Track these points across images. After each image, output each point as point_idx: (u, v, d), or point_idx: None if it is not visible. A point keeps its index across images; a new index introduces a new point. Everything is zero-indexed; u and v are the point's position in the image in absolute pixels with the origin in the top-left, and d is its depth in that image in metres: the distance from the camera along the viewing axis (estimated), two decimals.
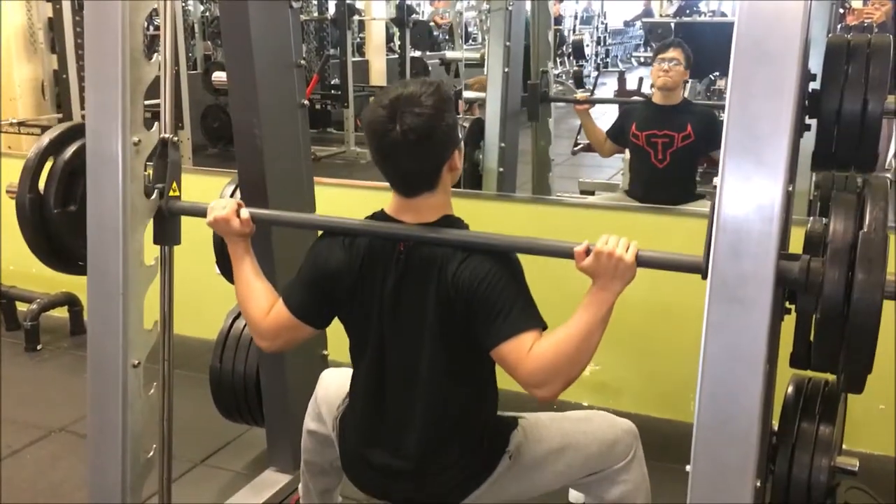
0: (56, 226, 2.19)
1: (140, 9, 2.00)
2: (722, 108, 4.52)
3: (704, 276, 1.51)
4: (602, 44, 13.52)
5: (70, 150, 2.20)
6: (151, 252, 2.13)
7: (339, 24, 8.07)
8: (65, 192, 2.19)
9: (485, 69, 4.23)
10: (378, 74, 10.23)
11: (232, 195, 2.64)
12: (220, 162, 6.69)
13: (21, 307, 4.20)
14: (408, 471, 1.83)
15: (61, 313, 4.21)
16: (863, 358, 1.48)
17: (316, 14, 9.13)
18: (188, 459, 2.96)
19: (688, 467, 1.54)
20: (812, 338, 1.60)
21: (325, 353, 2.79)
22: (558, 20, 11.30)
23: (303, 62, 2.48)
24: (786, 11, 1.43)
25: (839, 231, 1.49)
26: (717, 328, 1.48)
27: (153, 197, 2.10)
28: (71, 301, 4.18)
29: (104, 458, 2.12)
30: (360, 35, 10.43)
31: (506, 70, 4.16)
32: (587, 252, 1.62)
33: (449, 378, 1.78)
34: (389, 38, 10.58)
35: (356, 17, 9.66)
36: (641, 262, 1.61)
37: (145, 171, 2.09)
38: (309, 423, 2.14)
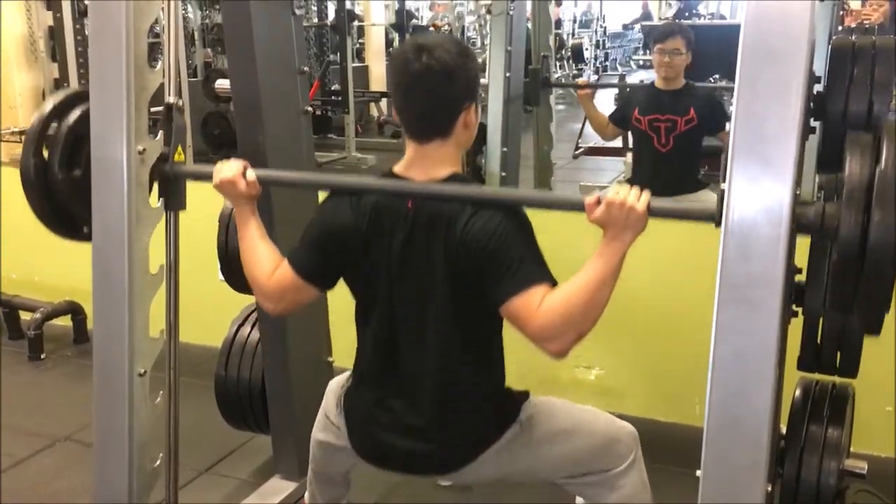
0: (61, 191, 2.13)
1: (144, 16, 1.99)
2: (725, 90, 4.51)
3: (718, 224, 1.49)
4: (601, 47, 13.55)
5: (74, 116, 2.12)
6: (157, 260, 2.13)
7: (339, 29, 8.07)
8: (69, 157, 2.12)
9: (486, 74, 4.23)
10: (378, 80, 10.23)
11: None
12: None
13: (24, 316, 4.20)
14: (418, 427, 1.81)
15: (65, 322, 4.20)
16: (882, 298, 1.44)
17: (316, 20, 9.14)
18: (193, 468, 2.95)
19: (698, 472, 1.54)
20: (829, 279, 1.56)
21: (331, 359, 2.79)
22: (557, 24, 11.31)
23: (306, 69, 2.48)
24: (792, 11, 1.43)
25: (855, 171, 1.43)
26: (727, 331, 1.48)
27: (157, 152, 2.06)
28: (74, 310, 4.17)
29: (110, 467, 2.11)
30: (360, 40, 10.43)
31: (507, 75, 4.16)
32: (598, 203, 1.60)
33: (459, 335, 1.77)
34: (389, 44, 10.58)
35: (356, 23, 9.66)
36: (653, 211, 1.59)
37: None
38: (317, 433, 2.13)
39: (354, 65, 8.39)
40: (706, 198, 3.82)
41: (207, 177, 1.97)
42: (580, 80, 4.69)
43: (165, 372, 2.20)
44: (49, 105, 2.14)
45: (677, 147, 3.87)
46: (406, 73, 1.70)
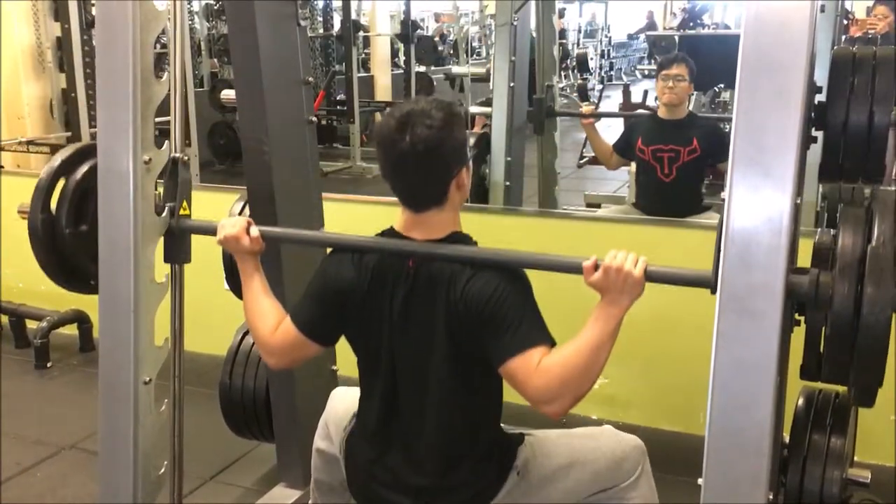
0: (68, 246, 2.20)
1: (150, 28, 2.01)
2: (727, 121, 4.58)
3: (713, 291, 1.51)
4: (606, 57, 13.61)
5: (81, 171, 2.21)
6: (162, 269, 2.14)
7: (345, 40, 8.12)
8: (76, 211, 2.20)
9: (490, 84, 4.24)
10: (383, 90, 10.28)
11: (241, 211, 2.66)
12: (227, 178, 6.73)
13: (31, 325, 4.22)
14: (418, 486, 1.82)
15: (71, 331, 4.21)
16: (873, 372, 1.49)
17: (321, 31, 9.20)
18: (198, 476, 2.96)
19: (700, 480, 1.54)
20: (822, 350, 1.60)
21: (335, 368, 2.80)
22: (562, 34, 11.34)
23: (310, 79, 2.50)
24: (792, 21, 1.44)
25: (848, 245, 1.49)
26: (727, 340, 1.48)
27: (164, 215, 2.11)
28: (80, 318, 4.19)
29: (115, 476, 2.12)
30: (366, 51, 10.48)
31: (511, 85, 4.18)
32: (595, 267, 1.63)
33: (459, 393, 1.78)
34: (394, 54, 10.62)
35: (361, 33, 9.71)
36: (650, 276, 1.62)
37: (156, 189, 2.10)
38: (318, 442, 2.15)
39: (359, 75, 8.44)
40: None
41: (212, 231, 2.00)
42: (584, 109, 4.61)
43: (170, 380, 2.21)
44: (57, 160, 2.22)
45: (680, 177, 3.90)
46: (392, 152, 1.70)
